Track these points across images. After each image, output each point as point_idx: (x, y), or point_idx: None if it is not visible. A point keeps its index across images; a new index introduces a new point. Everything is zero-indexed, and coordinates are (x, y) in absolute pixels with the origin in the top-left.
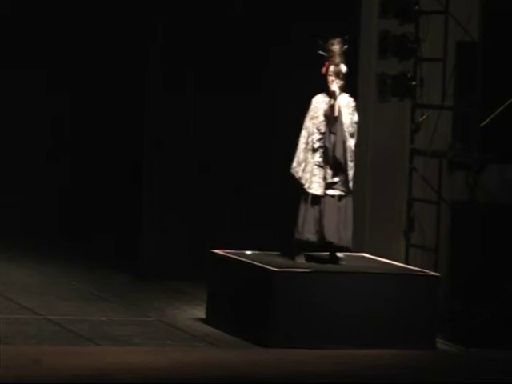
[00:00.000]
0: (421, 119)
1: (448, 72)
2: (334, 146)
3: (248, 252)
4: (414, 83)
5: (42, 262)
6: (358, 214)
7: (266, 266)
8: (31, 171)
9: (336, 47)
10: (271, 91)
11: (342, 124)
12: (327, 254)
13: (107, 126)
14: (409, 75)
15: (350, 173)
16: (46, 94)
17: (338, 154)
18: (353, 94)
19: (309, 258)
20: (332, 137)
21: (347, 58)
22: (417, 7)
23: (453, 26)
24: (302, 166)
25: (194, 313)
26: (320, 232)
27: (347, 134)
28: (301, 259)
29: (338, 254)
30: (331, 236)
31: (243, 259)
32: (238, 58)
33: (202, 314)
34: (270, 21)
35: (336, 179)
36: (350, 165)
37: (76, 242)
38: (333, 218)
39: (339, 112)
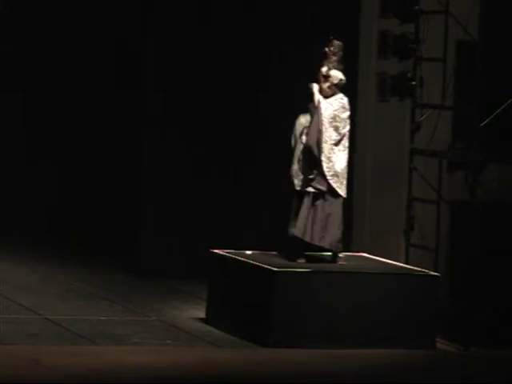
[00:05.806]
0: (421, 118)
1: (448, 72)
2: (308, 137)
3: (248, 252)
4: (413, 83)
5: (42, 262)
6: (358, 214)
7: (266, 266)
8: (31, 171)
9: (334, 51)
10: (271, 91)
11: (319, 115)
12: (327, 254)
13: (107, 125)
14: (409, 75)
15: (327, 168)
16: (46, 93)
17: (311, 142)
18: (353, 94)
19: (309, 258)
20: (310, 129)
21: (346, 58)
22: (417, 7)
23: (453, 25)
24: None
25: (193, 313)
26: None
27: (325, 126)
28: (301, 259)
29: (339, 254)
30: (297, 231)
31: (243, 259)
32: (238, 57)
33: (202, 313)
34: (269, 21)
35: (311, 176)
36: (331, 159)
37: (76, 242)
38: (305, 214)
39: (318, 102)
